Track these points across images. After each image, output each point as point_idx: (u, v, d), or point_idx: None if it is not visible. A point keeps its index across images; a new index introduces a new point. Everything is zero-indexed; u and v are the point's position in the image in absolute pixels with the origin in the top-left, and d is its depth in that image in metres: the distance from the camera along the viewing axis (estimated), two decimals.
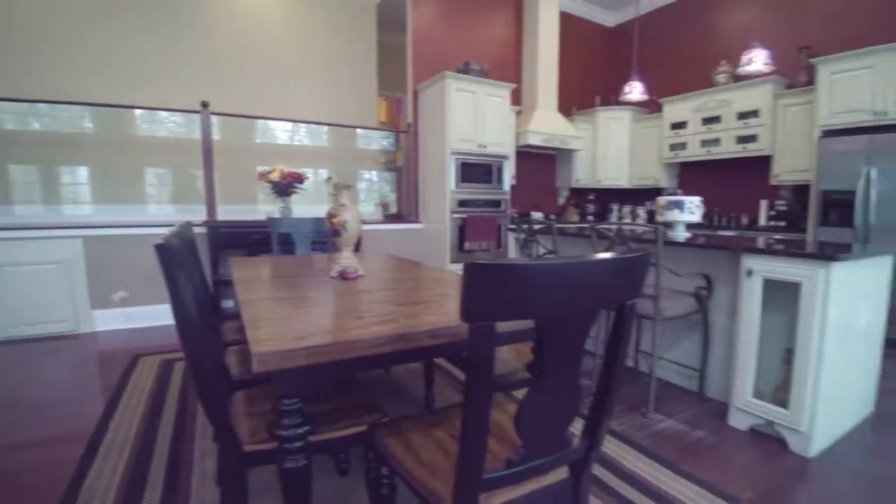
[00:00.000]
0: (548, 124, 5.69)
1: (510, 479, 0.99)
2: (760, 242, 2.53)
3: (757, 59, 3.04)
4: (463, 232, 4.90)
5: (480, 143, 5.04)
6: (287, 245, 3.16)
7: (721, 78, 5.26)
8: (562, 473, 1.16)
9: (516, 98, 5.85)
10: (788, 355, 2.16)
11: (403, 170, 5.73)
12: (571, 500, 1.18)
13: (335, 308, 1.50)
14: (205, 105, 4.17)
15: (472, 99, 5.01)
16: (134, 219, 4.36)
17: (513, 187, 5.67)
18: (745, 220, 5.27)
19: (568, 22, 6.38)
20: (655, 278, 2.37)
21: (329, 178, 2.09)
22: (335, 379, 1.72)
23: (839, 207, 4.02)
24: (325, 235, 3.05)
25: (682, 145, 5.54)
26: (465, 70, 5.13)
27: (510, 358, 1.93)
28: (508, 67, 5.95)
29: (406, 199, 5.62)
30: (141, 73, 4.62)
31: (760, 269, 2.19)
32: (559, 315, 0.88)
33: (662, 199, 3.08)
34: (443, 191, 4.93)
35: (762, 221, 5.07)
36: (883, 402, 2.66)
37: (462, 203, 4.95)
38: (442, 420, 1.36)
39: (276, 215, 3.92)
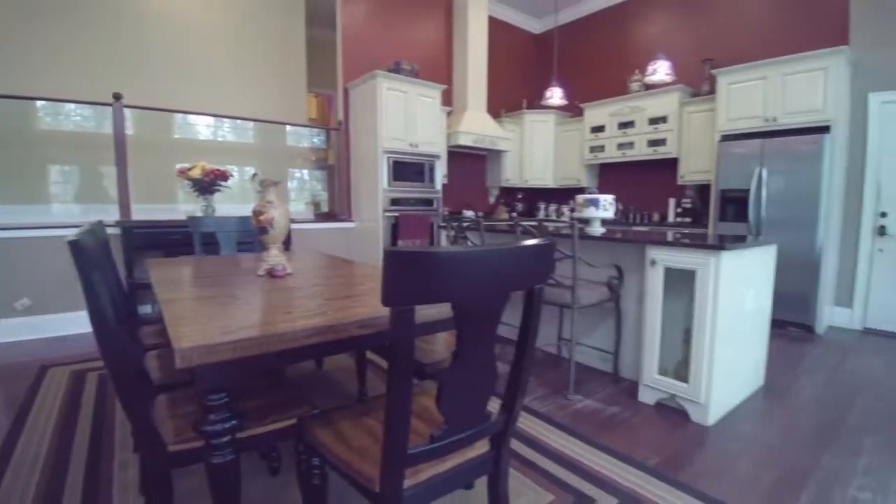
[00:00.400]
0: (478, 125, 5.86)
1: (434, 453, 1.07)
2: (664, 236, 2.80)
3: (660, 70, 3.36)
4: (396, 230, 4.94)
5: (412, 143, 5.10)
6: (211, 245, 3.05)
7: (634, 86, 5.68)
8: (483, 447, 1.26)
9: (447, 99, 5.98)
10: (687, 335, 2.41)
11: (335, 168, 5.68)
12: (493, 470, 1.28)
13: (263, 305, 1.51)
14: (117, 97, 3.91)
15: (404, 98, 5.07)
16: (36, 220, 4.00)
17: (445, 186, 5.79)
18: (656, 217, 5.74)
19: (496, 27, 6.61)
20: (572, 270, 2.56)
21: (255, 175, 2.07)
22: (264, 373, 1.72)
23: (735, 204, 4.50)
24: (252, 235, 2.98)
25: (601, 148, 5.93)
26: (396, 70, 5.17)
27: (441, 348, 2.02)
28: (439, 69, 6.06)
29: (338, 197, 5.57)
30: (43, 62, 4.24)
31: (662, 259, 2.44)
32: (473, 298, 0.97)
33: (580, 198, 3.31)
34: (375, 189, 4.94)
35: (671, 218, 5.55)
36: (770, 376, 3.03)
37: (394, 202, 4.99)
38: (372, 409, 1.41)
39: (199, 214, 3.76)
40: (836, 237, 4.25)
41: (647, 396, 2.60)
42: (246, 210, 2.94)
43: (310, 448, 1.32)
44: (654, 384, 2.55)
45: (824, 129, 4.00)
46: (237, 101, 5.20)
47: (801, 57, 4.09)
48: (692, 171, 5.19)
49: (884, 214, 4.14)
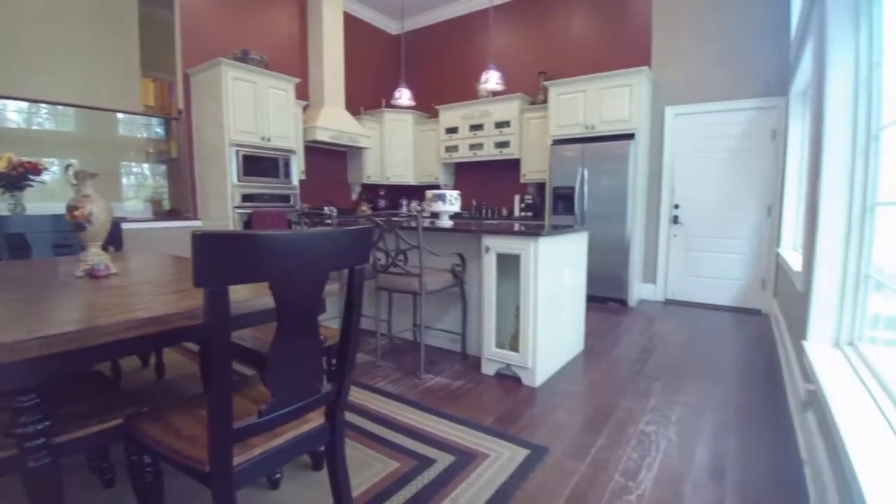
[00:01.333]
0: (336, 122, 5.86)
1: (261, 427, 1.14)
2: (497, 226, 3.16)
3: (491, 79, 3.74)
4: (249, 228, 4.74)
5: (264, 136, 4.93)
6: (21, 249, 2.67)
7: (482, 91, 6.17)
8: (318, 420, 1.36)
9: (303, 93, 5.87)
10: (518, 311, 2.77)
11: (179, 162, 5.23)
12: (329, 439, 1.38)
13: (80, 304, 1.42)
14: None
15: (253, 89, 4.87)
16: None
17: (303, 182, 5.69)
18: (504, 212, 6.32)
19: (355, 24, 6.65)
20: (418, 259, 2.76)
21: (68, 167, 1.88)
22: (90, 376, 1.61)
23: (565, 200, 5.17)
24: (73, 236, 2.67)
25: (455, 148, 6.34)
26: (243, 58, 4.94)
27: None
28: (294, 62, 5.92)
29: (182, 194, 5.14)
30: None
31: (494, 246, 2.76)
32: (290, 278, 1.06)
33: (430, 193, 3.55)
34: (224, 185, 4.68)
35: (517, 212, 6.16)
36: (590, 342, 3.59)
37: (247, 198, 4.78)
38: (203, 401, 1.42)
39: (5, 213, 3.23)
40: (641, 226, 5.13)
41: (488, 368, 2.92)
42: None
43: (140, 446, 1.30)
44: (493, 357, 2.87)
45: (630, 136, 4.81)
46: (56, 84, 4.51)
47: (612, 74, 4.85)
48: (532, 170, 5.82)
49: (677, 206, 5.12)
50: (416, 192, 7.13)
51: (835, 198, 1.88)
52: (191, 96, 5.02)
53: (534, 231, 2.62)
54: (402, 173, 6.82)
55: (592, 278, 4.74)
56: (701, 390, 2.74)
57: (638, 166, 4.82)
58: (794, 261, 3.23)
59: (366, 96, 6.79)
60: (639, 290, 5.26)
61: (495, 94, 6.07)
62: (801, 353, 2.29)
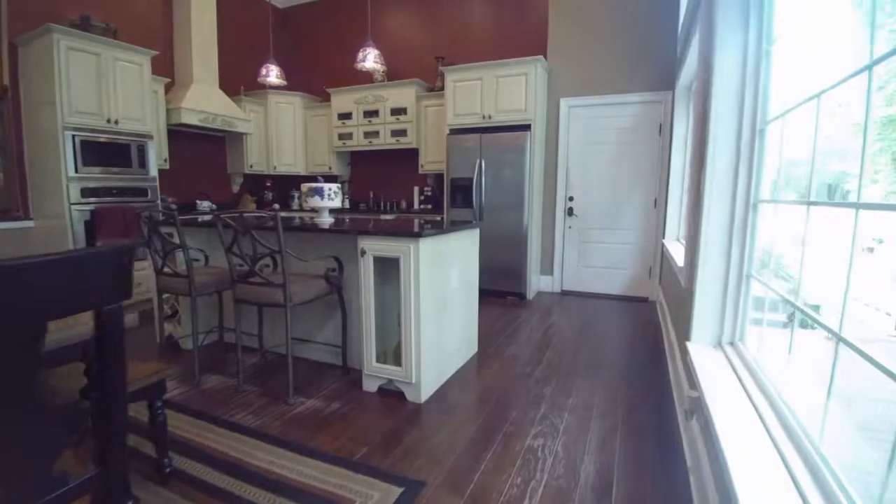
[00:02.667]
0: (207, 102, 5.14)
1: None
2: (376, 225, 2.82)
3: (370, 57, 3.37)
4: (93, 227, 3.97)
5: (110, 119, 4.15)
6: None
7: (378, 75, 5.76)
8: None
9: (165, 69, 5.08)
10: (400, 320, 2.47)
11: (4, 150, 4.25)
12: None
13: None
14: None
15: (96, 63, 4.06)
16: None
17: (166, 172, 4.94)
18: (404, 204, 6.00)
19: None
20: (282, 266, 2.36)
21: None
22: None
23: (463, 191, 4.96)
24: None
25: (349, 135, 5.89)
26: (83, 26, 4.10)
27: None
28: (154, 32, 5.08)
29: (10, 189, 4.19)
30: None
31: (371, 248, 2.43)
32: None
33: (305, 187, 3.13)
34: (59, 177, 3.86)
35: (416, 205, 5.87)
36: (484, 343, 3.40)
37: (89, 192, 3.99)
38: None
39: None
40: (538, 217, 5.08)
41: (370, 385, 2.60)
42: None
43: None
44: (374, 372, 2.55)
45: (527, 128, 4.69)
46: None
47: (508, 62, 4.69)
48: (431, 161, 5.55)
49: (571, 199, 5.12)
50: (309, 183, 6.56)
51: (719, 194, 1.79)
52: (18, 71, 4.07)
53: (413, 231, 2.33)
54: (291, 163, 6.23)
55: (491, 272, 4.61)
56: (590, 392, 2.64)
57: (535, 158, 4.73)
58: (677, 253, 3.26)
59: (247, 76, 6.06)
60: (536, 283, 5.22)
61: (391, 77, 5.71)
62: (685, 353, 2.23)
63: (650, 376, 2.86)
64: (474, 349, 3.29)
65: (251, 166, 5.89)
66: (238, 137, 5.80)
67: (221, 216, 2.47)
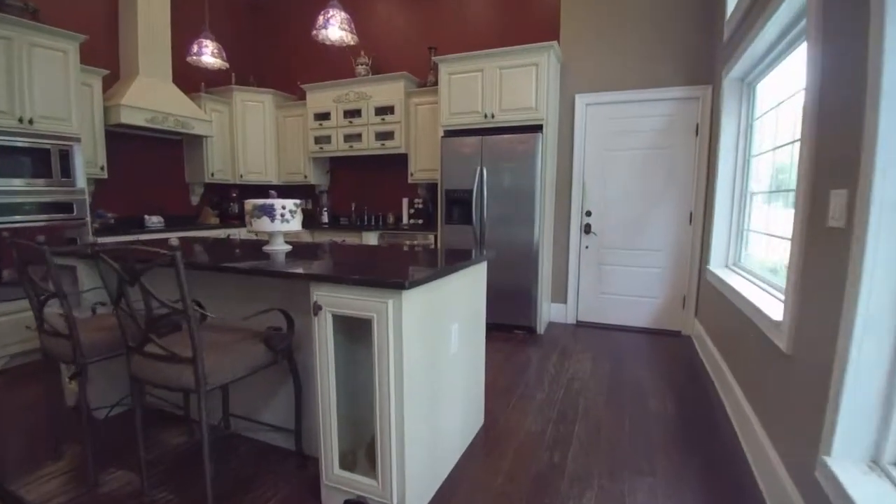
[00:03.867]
0: (155, 99, 4.30)
1: None
2: (334, 262, 1.99)
3: (334, 22, 2.52)
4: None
5: (23, 118, 3.30)
6: None
7: (361, 69, 4.96)
8: None
9: (107, 59, 4.25)
10: (374, 408, 1.64)
11: None
12: None
13: None
14: None
15: (5, 49, 3.23)
16: None
17: (104, 183, 4.11)
18: (391, 219, 5.18)
19: None
20: (191, 332, 1.52)
21: None
22: None
23: (461, 205, 4.15)
24: None
25: (328, 139, 5.07)
26: None
27: None
28: (92, 16, 4.25)
29: None
30: None
31: (330, 302, 1.60)
32: None
33: (250, 204, 2.30)
34: None
35: (405, 220, 5.05)
36: (491, 408, 2.57)
37: None
38: None
39: None
40: (549, 235, 4.28)
41: (331, 499, 1.76)
42: None
43: None
44: (337, 482, 1.72)
45: (538, 129, 3.91)
46: None
47: (514, 50, 3.90)
48: (422, 168, 4.74)
49: (588, 213, 4.32)
50: (281, 193, 5.72)
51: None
52: None
53: (393, 280, 1.50)
54: (261, 171, 5.38)
55: (494, 301, 3.77)
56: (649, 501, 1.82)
57: (547, 165, 3.94)
58: (754, 295, 2.45)
59: (210, 70, 5.23)
60: (547, 312, 4.41)
61: (376, 71, 4.90)
62: (803, 468, 1.42)
63: (729, 471, 2.05)
64: (480, 422, 2.46)
65: (213, 175, 5.04)
66: (197, 141, 4.96)
67: (104, 246, 1.62)
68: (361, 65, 4.95)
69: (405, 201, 5.04)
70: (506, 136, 3.93)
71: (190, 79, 4.93)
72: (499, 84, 3.98)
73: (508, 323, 4.09)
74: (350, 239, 4.76)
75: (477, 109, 4.08)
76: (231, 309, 2.14)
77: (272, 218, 2.27)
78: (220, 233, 4.87)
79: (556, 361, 3.45)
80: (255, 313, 1.82)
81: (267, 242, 2.46)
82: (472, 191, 4.05)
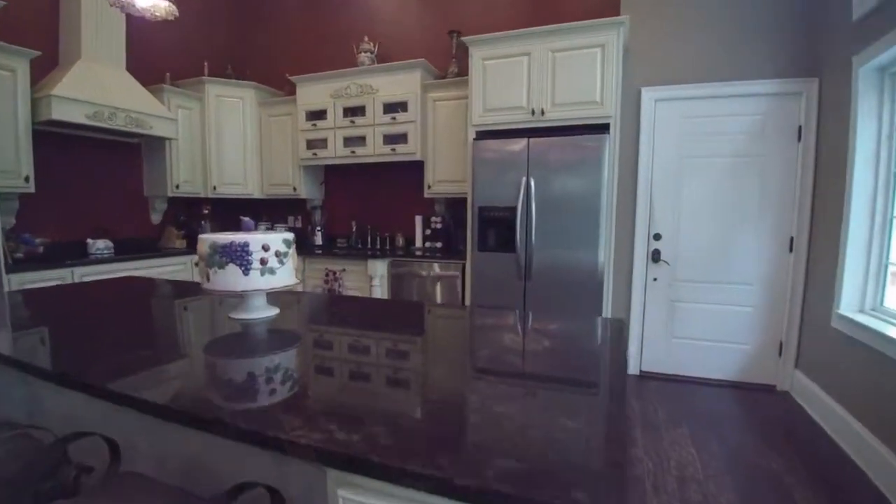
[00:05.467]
0: (100, 89, 3.32)
1: None
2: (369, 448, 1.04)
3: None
4: None
5: None
6: None
7: (365, 58, 4.02)
8: None
9: (38, 39, 3.26)
10: None
11: None
12: None
13: None
14: None
15: None
16: None
17: (31, 199, 3.10)
18: (400, 240, 4.21)
19: None
20: None
21: None
22: None
23: (498, 227, 3.21)
24: None
25: (323, 142, 4.10)
26: None
27: None
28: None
29: None
30: None
31: None
32: None
33: (205, 244, 1.34)
34: None
35: (419, 242, 4.09)
36: None
37: None
38: None
39: None
40: (610, 264, 3.36)
41: None
42: None
43: None
44: None
45: (603, 129, 3.01)
46: None
47: (573, 28, 3.01)
48: (442, 179, 3.80)
49: (657, 237, 3.42)
50: (265, 208, 4.73)
51: None
52: None
53: None
54: (239, 181, 4.38)
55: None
56: None
57: (615, 175, 3.03)
58: None
59: (177, 58, 4.27)
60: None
61: (382, 60, 3.96)
62: None
63: None
64: None
65: (178, 187, 4.03)
66: (159, 145, 3.96)
67: None
68: (365, 52, 4.01)
69: (418, 220, 4.08)
70: (562, 137, 3.02)
71: (151, 68, 3.95)
72: (551, 71, 3.07)
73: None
74: (352, 268, 3.78)
75: (521, 104, 3.16)
76: (173, 455, 1.16)
77: (245, 266, 1.31)
78: (186, 261, 3.85)
79: (644, 443, 2.51)
80: (214, 496, 0.84)
81: (239, 299, 1.49)
82: (515, 208, 3.12)
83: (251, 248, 1.32)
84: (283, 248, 1.39)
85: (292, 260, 1.43)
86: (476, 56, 3.24)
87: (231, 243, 1.30)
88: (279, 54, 4.68)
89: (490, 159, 3.19)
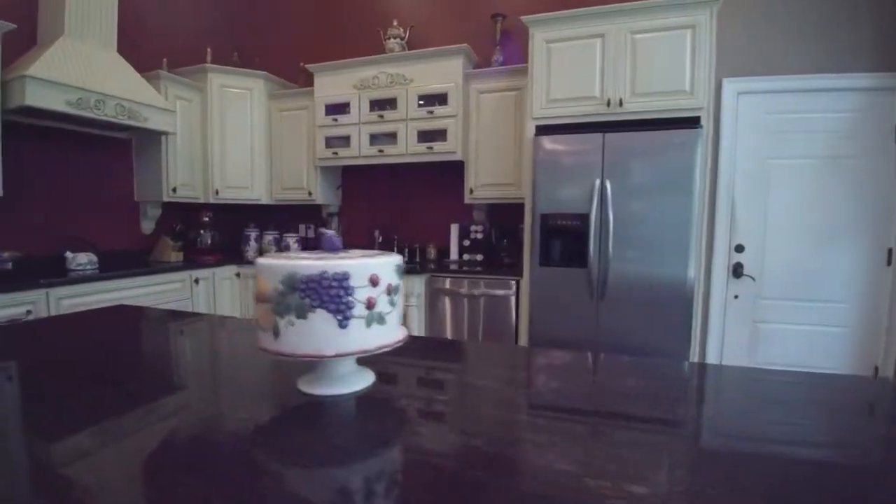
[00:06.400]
0: (86, 72, 2.76)
1: None
2: None
3: None
4: None
5: None
6: None
7: (394, 45, 3.52)
8: None
9: (11, 9, 2.69)
10: None
11: None
12: None
13: None
14: None
15: None
16: None
17: None
18: (431, 253, 3.70)
19: None
20: None
21: None
22: None
23: (565, 237, 2.73)
24: None
25: (345, 140, 3.57)
26: None
27: None
28: None
29: None
30: None
31: None
32: None
33: (275, 271, 0.80)
34: None
35: (454, 254, 3.59)
36: None
37: None
38: None
39: None
40: (700, 281, 2.89)
41: None
42: None
43: None
44: None
45: (694, 122, 2.55)
46: None
47: (657, 5, 2.55)
48: (486, 182, 3.30)
49: (739, 248, 2.97)
50: (274, 215, 4.17)
51: None
52: None
53: None
54: (246, 185, 3.83)
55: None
56: None
57: (707, 176, 2.58)
58: None
59: (176, 41, 3.72)
60: None
61: (413, 46, 3.46)
62: None
63: None
64: None
65: (175, 190, 3.46)
66: (153, 141, 3.39)
67: None
68: (394, 38, 3.51)
69: (454, 229, 3.58)
70: (645, 132, 2.55)
71: (145, 53, 3.39)
72: (630, 56, 2.61)
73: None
74: None
75: (593, 94, 2.69)
76: None
77: (344, 313, 0.79)
78: (185, 277, 3.28)
79: None
80: None
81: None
82: (587, 215, 2.64)
83: (352, 281, 0.81)
84: (394, 281, 0.88)
85: (399, 301, 0.92)
86: (538, 38, 2.76)
87: (323, 275, 0.79)
88: (292, 41, 4.15)
89: (555, 159, 2.71)
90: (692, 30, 2.51)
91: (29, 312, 2.43)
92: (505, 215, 3.44)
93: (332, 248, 0.95)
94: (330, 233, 0.97)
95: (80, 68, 2.76)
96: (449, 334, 3.16)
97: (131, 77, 3.07)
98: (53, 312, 2.53)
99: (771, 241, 2.92)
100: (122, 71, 3.04)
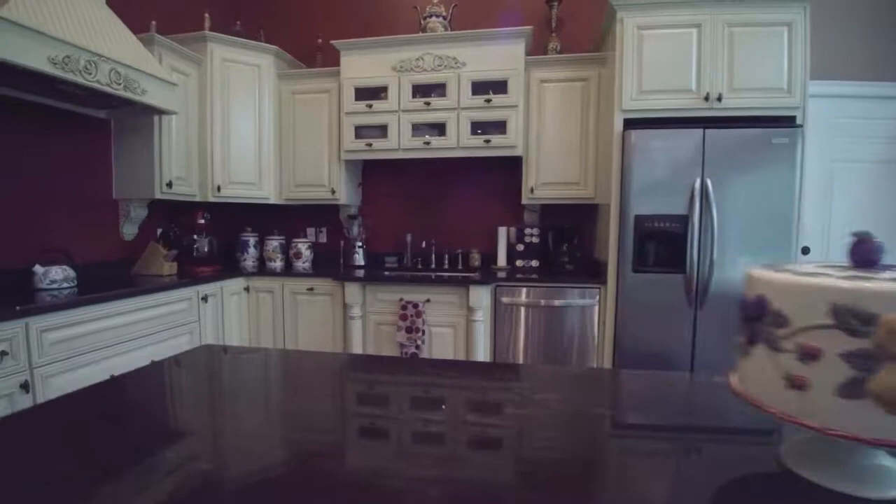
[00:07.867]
0: (74, 25, 2.07)
1: None
2: None
3: None
4: None
5: None
6: None
7: (436, 24, 3.11)
8: None
9: None
10: None
11: None
12: None
13: None
14: None
15: None
16: None
17: None
18: (476, 259, 3.33)
19: None
20: None
21: None
22: None
23: (659, 240, 2.52)
24: None
25: (381, 129, 3.09)
26: None
27: None
28: None
29: None
30: None
31: None
32: None
33: (817, 293, 0.43)
34: None
35: (502, 260, 3.25)
36: None
37: None
38: None
39: None
40: None
41: None
42: None
43: None
44: None
45: (790, 122, 2.48)
46: None
47: None
48: (547, 181, 3.01)
49: (805, 250, 2.96)
50: (286, 216, 3.54)
51: None
52: None
53: None
54: (252, 180, 3.19)
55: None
56: None
57: (805, 176, 2.50)
58: None
59: (169, 2, 3.00)
60: None
61: (456, 26, 3.09)
62: None
63: None
64: None
65: (170, 185, 2.75)
66: (142, 124, 2.67)
67: None
68: (434, 17, 3.11)
69: (502, 232, 3.24)
70: (747, 129, 2.42)
71: (132, 13, 2.67)
72: (727, 49, 2.47)
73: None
74: (438, 297, 2.80)
75: (689, 87, 2.51)
76: None
77: None
78: (191, 295, 2.62)
79: None
80: None
81: None
82: (686, 217, 2.45)
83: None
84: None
85: None
86: (629, 24, 2.53)
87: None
88: (304, 12, 3.56)
89: (649, 155, 2.50)
90: (788, 27, 2.43)
91: (5, 354, 1.72)
92: (561, 217, 3.17)
93: (874, 257, 0.61)
94: (867, 235, 0.63)
95: (66, 19, 2.06)
96: (521, 354, 2.81)
97: (128, 39, 2.38)
98: (35, 352, 1.83)
99: (835, 243, 2.95)
100: (117, 30, 2.34)
